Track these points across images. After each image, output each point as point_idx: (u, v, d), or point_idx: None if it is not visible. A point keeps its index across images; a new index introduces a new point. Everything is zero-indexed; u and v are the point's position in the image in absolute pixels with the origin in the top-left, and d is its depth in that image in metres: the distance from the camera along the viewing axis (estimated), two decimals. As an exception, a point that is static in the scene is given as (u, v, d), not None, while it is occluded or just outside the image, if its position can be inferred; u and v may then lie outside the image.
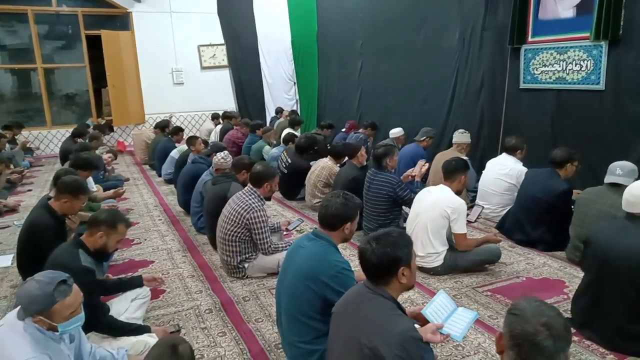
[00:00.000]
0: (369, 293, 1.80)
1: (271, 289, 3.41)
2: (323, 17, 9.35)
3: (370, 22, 7.88)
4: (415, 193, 3.76)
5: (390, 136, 6.13)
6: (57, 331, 1.88)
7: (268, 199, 3.66)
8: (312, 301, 2.26)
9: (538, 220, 3.94)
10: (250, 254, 3.57)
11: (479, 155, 5.72)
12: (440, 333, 2.09)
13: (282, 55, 10.66)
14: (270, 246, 3.52)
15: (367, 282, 1.85)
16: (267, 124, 9.32)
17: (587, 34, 4.46)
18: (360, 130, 6.90)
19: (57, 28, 10.63)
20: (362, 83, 8.35)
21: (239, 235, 3.47)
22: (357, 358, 1.67)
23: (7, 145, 8.01)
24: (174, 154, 6.86)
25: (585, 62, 4.57)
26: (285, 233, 4.29)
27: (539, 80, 5.08)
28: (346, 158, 5.09)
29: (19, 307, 1.89)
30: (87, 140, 6.97)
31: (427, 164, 4.39)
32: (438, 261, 3.44)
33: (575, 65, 4.68)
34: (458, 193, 3.52)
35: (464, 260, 3.48)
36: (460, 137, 5.18)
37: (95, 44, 10.16)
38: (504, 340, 1.37)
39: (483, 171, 4.79)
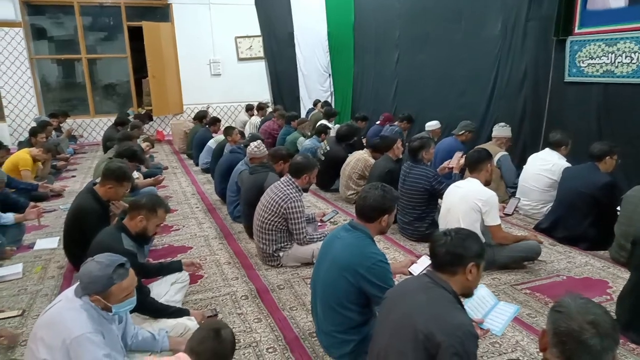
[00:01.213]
0: (429, 283, 1.81)
1: (305, 278, 3.45)
2: (360, 7, 9.27)
3: (408, 12, 7.76)
4: (454, 186, 3.70)
5: (426, 129, 6.04)
6: (111, 311, 1.96)
7: (305, 190, 3.69)
8: (348, 292, 2.27)
9: (581, 215, 3.82)
10: (285, 243, 3.61)
11: (520, 150, 5.57)
12: (480, 328, 2.07)
13: (317, 46, 10.64)
14: (305, 237, 3.55)
15: (429, 273, 1.87)
16: (303, 116, 9.37)
17: (640, 25, 4.25)
18: (396, 123, 6.82)
19: (100, 20, 11.00)
20: (398, 74, 8.25)
21: (275, 224, 3.51)
22: (409, 343, 1.67)
23: (54, 132, 8.35)
24: (211, 143, 6.99)
25: (637, 54, 4.35)
26: (319, 224, 4.32)
27: (585, 74, 4.88)
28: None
29: (76, 284, 1.99)
30: (128, 129, 7.18)
31: (465, 156, 4.30)
32: (475, 257, 3.38)
33: (625, 58, 4.46)
34: (487, 184, 3.45)
35: (502, 257, 3.41)
36: (501, 130, 5.05)
37: (135, 35, 10.43)
38: (547, 337, 1.34)
39: (524, 166, 4.66)
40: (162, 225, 2.90)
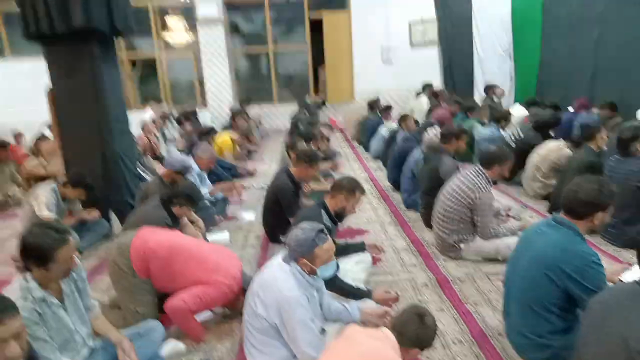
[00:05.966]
0: None
1: (489, 274, 3.30)
2: (553, -22, 8.29)
3: (619, -19, 6.66)
4: (680, 186, 3.11)
5: (639, 118, 5.17)
6: (316, 274, 2.16)
7: (494, 183, 3.50)
8: (552, 293, 2.10)
9: None
10: (467, 235, 3.48)
11: None
12: None
13: (498, 26, 9.86)
14: (490, 231, 3.37)
15: None
16: (477, 101, 8.88)
17: None
18: (594, 110, 5.99)
19: (283, 14, 11.95)
20: (598, 56, 7.18)
21: (459, 213, 3.41)
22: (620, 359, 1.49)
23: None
24: (383, 131, 7.08)
25: None
26: (502, 218, 4.07)
27: None
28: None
29: (285, 252, 2.23)
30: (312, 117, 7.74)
31: None
32: None
33: None
34: None
35: None
36: None
37: (312, 27, 11.06)
38: None
39: None
40: (357, 205, 3.06)
